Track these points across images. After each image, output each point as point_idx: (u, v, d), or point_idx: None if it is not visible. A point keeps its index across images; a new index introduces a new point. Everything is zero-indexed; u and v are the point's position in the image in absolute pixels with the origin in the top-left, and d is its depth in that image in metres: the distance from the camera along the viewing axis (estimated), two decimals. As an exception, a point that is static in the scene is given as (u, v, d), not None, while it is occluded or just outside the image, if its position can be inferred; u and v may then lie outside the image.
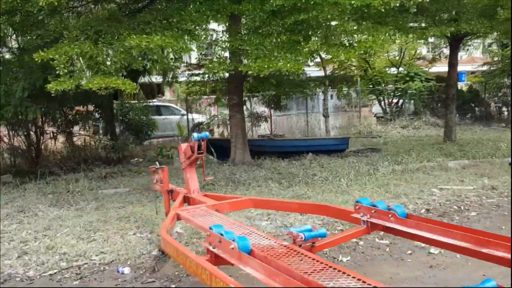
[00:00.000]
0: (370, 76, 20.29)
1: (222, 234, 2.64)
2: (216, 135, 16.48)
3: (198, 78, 11.96)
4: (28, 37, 10.94)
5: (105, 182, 9.25)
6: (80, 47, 5.93)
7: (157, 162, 5.70)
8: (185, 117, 18.62)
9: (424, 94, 19.18)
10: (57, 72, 5.99)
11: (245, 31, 7.29)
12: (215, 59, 6.54)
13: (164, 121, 17.29)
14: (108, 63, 6.15)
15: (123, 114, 13.75)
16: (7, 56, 11.38)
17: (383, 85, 19.84)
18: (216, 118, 17.31)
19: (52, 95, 6.41)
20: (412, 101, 19.94)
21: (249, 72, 7.52)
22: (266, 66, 6.17)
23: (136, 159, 13.44)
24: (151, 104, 15.51)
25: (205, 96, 23.39)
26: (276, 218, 5.82)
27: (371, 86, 20.51)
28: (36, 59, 6.19)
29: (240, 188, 7.71)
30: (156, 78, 17.08)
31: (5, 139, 12.36)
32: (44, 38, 10.01)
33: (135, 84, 7.26)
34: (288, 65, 6.17)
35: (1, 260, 4.89)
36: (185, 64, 12.09)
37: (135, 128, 13.06)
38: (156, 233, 5.53)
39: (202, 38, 6.54)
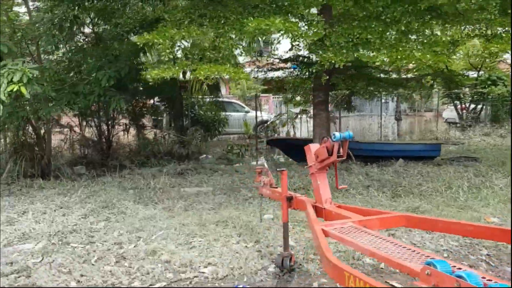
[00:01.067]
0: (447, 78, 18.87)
1: (461, 277, 1.89)
2: (282, 135, 15.80)
3: (279, 73, 11.30)
4: (106, 27, 10.69)
5: (183, 179, 8.74)
6: (188, 31, 5.38)
7: (264, 162, 5.05)
8: (249, 114, 18.07)
9: (508, 99, 17.63)
10: (162, 57, 5.46)
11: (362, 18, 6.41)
12: (330, 48, 5.78)
13: (228, 118, 16.80)
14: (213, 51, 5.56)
15: (190, 109, 13.32)
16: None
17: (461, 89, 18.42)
18: (283, 117, 16.61)
19: (150, 83, 5.91)
20: (489, 107, 18.44)
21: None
22: (399, 57, 5.37)
23: (204, 155, 12.98)
24: (214, 100, 15.01)
25: (264, 94, 22.79)
26: (400, 235, 5.01)
27: (444, 89, 19.11)
28: (138, 43, 5.70)
29: (337, 195, 6.93)
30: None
31: (76, 129, 12.22)
32: (124, 27, 9.69)
33: (247, 73, 6.62)
34: (428, 56, 5.31)
35: (100, 264, 4.38)
36: (268, 57, 11.38)
37: (205, 124, 12.58)
38: (262, 243, 4.88)
39: (319, 25, 5.81)
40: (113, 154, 12.00)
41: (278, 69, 11.55)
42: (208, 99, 14.39)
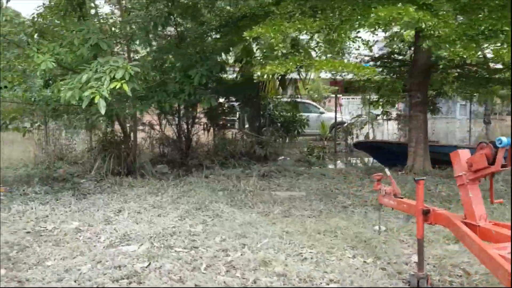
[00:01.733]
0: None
1: None
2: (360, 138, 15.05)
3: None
4: (188, 25, 10.59)
5: (268, 182, 8.38)
6: (304, 23, 5.00)
7: (386, 169, 4.54)
8: (323, 115, 17.52)
9: None
10: (275, 52, 5.12)
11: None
12: (457, 41, 5.14)
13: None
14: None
15: (267, 109, 12.99)
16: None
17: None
18: (361, 118, 15.83)
19: (255, 81, 5.61)
20: None
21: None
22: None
23: (282, 157, 12.61)
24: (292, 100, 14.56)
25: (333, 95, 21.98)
26: None
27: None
28: (247, 37, 5.40)
29: (455, 207, 6.25)
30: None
31: (156, 128, 12.24)
32: (210, 25, 9.51)
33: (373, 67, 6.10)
34: None
35: (211, 273, 4.08)
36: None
37: (284, 124, 12.20)
38: (383, 259, 4.37)
39: (449, 15, 5.23)
40: (192, 153, 11.93)
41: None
42: (282, 99, 14.00)
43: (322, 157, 11.73)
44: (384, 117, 14.56)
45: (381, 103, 14.14)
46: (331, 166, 11.57)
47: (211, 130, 12.67)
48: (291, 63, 5.17)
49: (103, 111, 5.55)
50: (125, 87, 5.71)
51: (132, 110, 7.56)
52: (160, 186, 7.91)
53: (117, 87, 5.67)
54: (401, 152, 9.21)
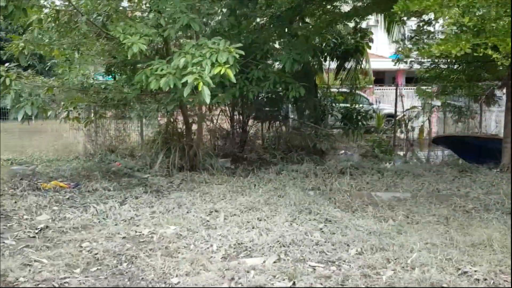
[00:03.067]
0: None
1: None
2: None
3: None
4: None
5: (356, 180, 7.58)
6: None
7: None
8: (373, 106, 16.62)
9: None
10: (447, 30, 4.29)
11: None
12: None
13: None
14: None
15: (325, 100, 12.17)
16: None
17: None
18: (415, 110, 14.92)
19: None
20: None
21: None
22: None
23: (343, 151, 11.84)
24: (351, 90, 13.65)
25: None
26: None
27: None
28: (397, 11, 4.57)
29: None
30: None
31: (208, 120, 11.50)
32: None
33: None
34: None
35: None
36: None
37: (346, 117, 11.37)
38: None
39: None
40: (247, 147, 11.22)
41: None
42: (337, 90, 13.14)
43: (390, 152, 10.90)
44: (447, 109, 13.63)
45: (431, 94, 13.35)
46: (406, 161, 10.63)
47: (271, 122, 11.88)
48: (464, 42, 4.37)
49: (208, 100, 4.83)
50: (229, 72, 4.97)
51: (215, 99, 6.77)
52: (239, 183, 7.23)
53: (222, 72, 4.93)
54: (492, 148, 8.38)
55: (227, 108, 11.24)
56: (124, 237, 4.84)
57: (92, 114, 9.01)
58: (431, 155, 11.71)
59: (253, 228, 4.98)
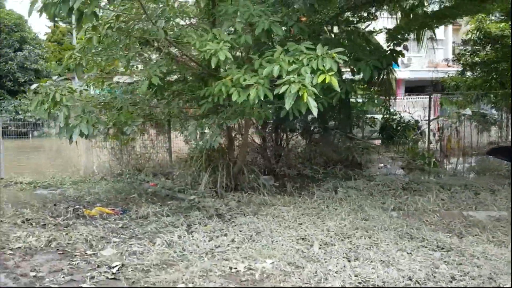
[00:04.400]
0: None
1: None
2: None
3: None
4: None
5: (436, 198, 6.88)
6: None
7: None
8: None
9: None
10: None
11: None
12: None
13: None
14: None
15: (361, 110, 11.60)
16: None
17: None
18: (441, 119, 14.45)
19: None
20: None
21: None
22: None
23: (382, 164, 11.26)
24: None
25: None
26: None
27: None
28: None
29: None
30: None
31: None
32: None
33: None
34: None
35: None
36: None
37: (385, 128, 10.82)
38: None
39: None
40: (283, 161, 10.55)
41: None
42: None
43: (435, 164, 10.34)
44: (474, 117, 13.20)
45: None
46: (454, 174, 10.06)
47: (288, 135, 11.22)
48: None
49: (315, 112, 4.18)
50: (334, 81, 4.33)
51: (267, 112, 6.04)
52: (307, 205, 6.58)
53: (327, 80, 4.28)
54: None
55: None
56: (220, 275, 4.12)
57: (132, 131, 8.21)
58: (475, 165, 11.18)
59: (368, 260, 4.30)
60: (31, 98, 5.35)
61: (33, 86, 5.20)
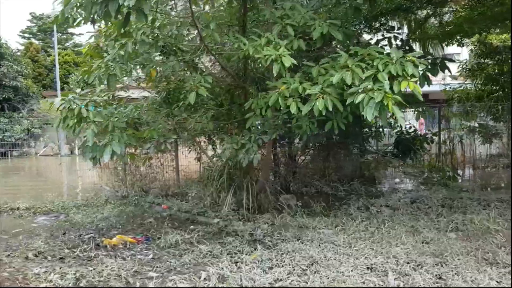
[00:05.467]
0: None
1: None
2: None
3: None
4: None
5: (463, 215, 6.46)
6: None
7: None
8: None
9: None
10: None
11: None
12: None
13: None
14: None
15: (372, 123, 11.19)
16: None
17: None
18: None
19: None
20: None
21: None
22: None
23: (396, 179, 10.85)
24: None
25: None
26: None
27: None
28: None
29: None
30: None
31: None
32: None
33: None
34: None
35: None
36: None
37: (400, 142, 10.40)
38: None
39: None
40: (297, 178, 9.99)
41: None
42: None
43: (454, 178, 9.98)
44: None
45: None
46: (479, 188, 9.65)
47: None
48: None
49: (403, 123, 3.68)
50: (418, 88, 3.83)
51: (311, 125, 5.45)
52: (353, 228, 5.98)
53: (411, 88, 3.78)
54: None
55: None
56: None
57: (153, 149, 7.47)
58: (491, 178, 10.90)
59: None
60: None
61: (57, 100, 4.50)
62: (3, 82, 22.82)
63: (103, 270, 4.64)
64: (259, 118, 4.99)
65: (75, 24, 4.61)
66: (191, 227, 6.59)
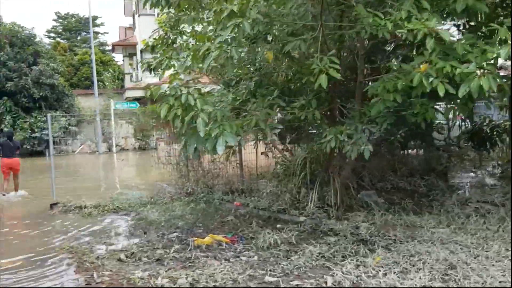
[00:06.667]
0: None
1: None
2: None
3: None
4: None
5: None
6: None
7: None
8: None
9: None
10: None
11: None
12: None
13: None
14: None
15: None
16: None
17: None
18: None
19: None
20: None
21: None
22: None
23: (472, 173, 10.13)
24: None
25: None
26: None
27: None
28: None
29: None
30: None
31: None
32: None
33: None
34: None
35: None
36: None
37: (476, 134, 9.66)
38: None
39: None
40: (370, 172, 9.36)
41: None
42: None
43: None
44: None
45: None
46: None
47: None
48: None
49: None
50: None
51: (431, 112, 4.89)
52: (462, 225, 5.40)
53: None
54: None
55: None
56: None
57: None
58: None
59: None
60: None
61: (164, 86, 4.04)
62: (40, 80, 22.73)
63: (213, 273, 4.17)
64: (389, 103, 4.39)
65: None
66: (278, 225, 6.11)
